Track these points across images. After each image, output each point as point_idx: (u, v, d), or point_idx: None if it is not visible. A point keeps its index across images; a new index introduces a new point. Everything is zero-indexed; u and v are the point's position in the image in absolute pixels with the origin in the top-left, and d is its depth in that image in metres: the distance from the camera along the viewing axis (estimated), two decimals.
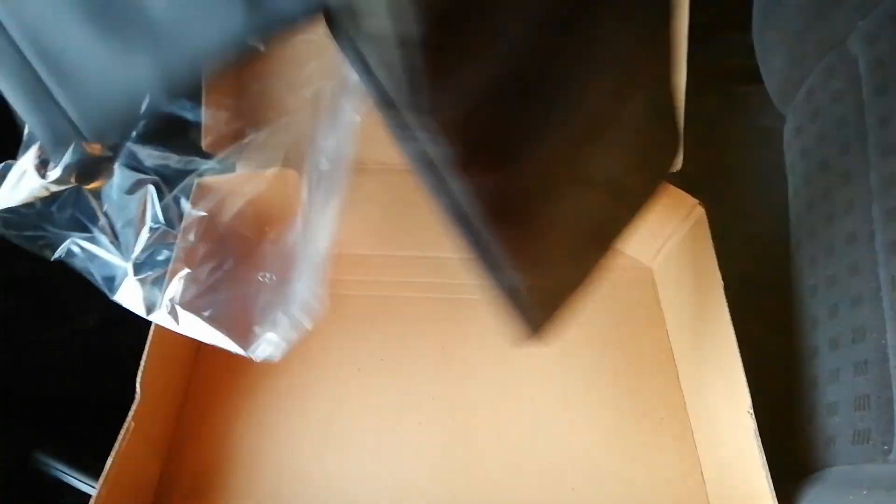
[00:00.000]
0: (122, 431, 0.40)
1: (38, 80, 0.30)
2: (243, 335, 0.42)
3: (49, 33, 0.30)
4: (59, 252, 0.40)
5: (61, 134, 0.31)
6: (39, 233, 0.39)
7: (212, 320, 0.42)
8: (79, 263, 0.41)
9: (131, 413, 0.41)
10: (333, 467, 0.47)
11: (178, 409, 0.49)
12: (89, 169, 0.38)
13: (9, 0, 0.30)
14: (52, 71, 0.30)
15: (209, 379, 0.50)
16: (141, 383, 0.41)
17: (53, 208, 0.39)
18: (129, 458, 0.40)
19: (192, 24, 0.29)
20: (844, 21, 0.44)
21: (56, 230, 0.39)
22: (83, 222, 0.40)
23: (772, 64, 0.52)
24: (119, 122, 0.31)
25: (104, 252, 0.41)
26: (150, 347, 0.42)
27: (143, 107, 0.31)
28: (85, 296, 0.58)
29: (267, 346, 0.41)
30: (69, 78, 0.30)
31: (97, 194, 0.40)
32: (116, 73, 0.30)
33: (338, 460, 0.47)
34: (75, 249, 0.40)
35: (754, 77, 0.56)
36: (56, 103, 0.30)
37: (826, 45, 0.45)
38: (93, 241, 0.40)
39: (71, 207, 0.40)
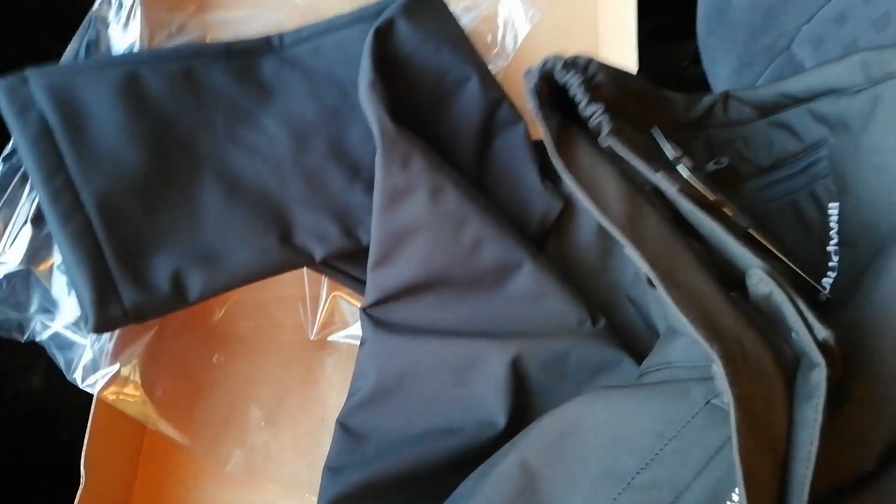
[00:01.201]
0: None
1: (102, 257, 0.35)
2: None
3: (122, 220, 0.36)
4: (29, 332, 0.39)
5: (108, 306, 0.34)
6: (2, 316, 0.38)
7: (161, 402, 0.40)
8: (45, 342, 0.39)
9: (77, 498, 0.38)
10: None
11: (130, 483, 0.46)
12: (40, 246, 0.38)
13: (94, 183, 0.36)
14: (116, 253, 0.35)
15: (161, 447, 0.47)
16: (85, 464, 0.38)
17: (6, 291, 0.38)
18: None
19: (233, 246, 0.37)
20: (788, 26, 0.43)
21: (17, 312, 0.38)
22: (40, 302, 0.38)
23: (719, 71, 0.52)
24: (158, 310, 0.36)
25: (64, 330, 0.39)
26: (92, 424, 0.40)
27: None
28: (27, 355, 0.54)
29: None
30: (129, 265, 0.35)
31: (48, 273, 0.38)
32: (167, 271, 0.36)
33: None
34: (39, 328, 0.39)
35: (701, 84, 0.56)
36: (113, 281, 0.35)
37: (773, 50, 0.45)
38: (52, 319, 0.39)
39: (24, 288, 0.38)
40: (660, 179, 0.30)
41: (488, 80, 0.45)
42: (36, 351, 0.56)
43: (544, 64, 0.33)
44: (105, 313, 0.34)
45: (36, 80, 0.37)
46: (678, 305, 0.25)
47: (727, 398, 0.23)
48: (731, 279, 0.28)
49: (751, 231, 0.30)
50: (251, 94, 0.42)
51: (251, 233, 0.38)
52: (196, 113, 0.40)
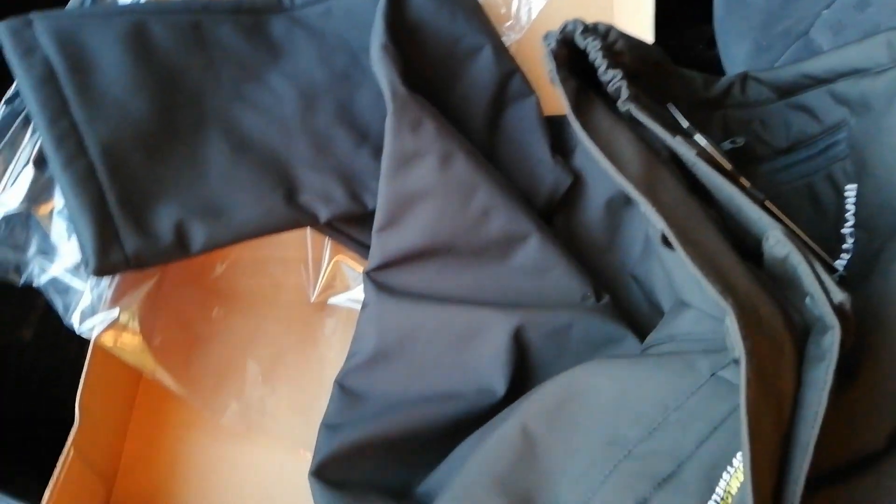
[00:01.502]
0: (62, 458, 0.37)
1: (105, 202, 0.34)
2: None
3: (126, 168, 0.35)
4: (26, 275, 0.38)
5: (109, 251, 0.34)
6: (0, 257, 0.37)
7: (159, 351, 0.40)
8: (43, 286, 0.38)
9: (70, 438, 0.37)
10: (293, 484, 0.44)
11: (123, 430, 0.46)
12: (41, 189, 0.37)
13: (98, 129, 0.35)
14: (119, 199, 0.34)
15: (156, 397, 0.47)
16: (80, 406, 0.38)
17: (5, 232, 0.37)
18: (69, 485, 0.37)
19: (237, 202, 0.37)
20: (808, 10, 0.43)
21: (16, 254, 0.37)
22: (40, 244, 0.38)
23: (734, 55, 0.51)
24: (160, 259, 0.35)
25: (63, 274, 0.38)
26: (88, 368, 0.39)
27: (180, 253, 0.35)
28: (20, 307, 0.54)
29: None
30: (132, 211, 0.35)
31: (49, 216, 0.38)
32: (170, 221, 0.35)
33: (298, 476, 0.44)
34: (37, 271, 0.38)
35: (715, 68, 0.55)
36: (115, 227, 0.34)
37: (791, 34, 0.45)
38: (51, 262, 0.38)
39: (24, 230, 0.38)
40: (678, 143, 0.30)
41: (502, 51, 0.45)
42: (28, 304, 0.56)
43: (564, 27, 0.33)
44: (106, 258, 0.33)
45: (41, 24, 0.36)
46: (693, 260, 0.25)
47: (738, 351, 0.23)
48: (744, 250, 0.28)
49: (767, 203, 0.30)
50: (260, 53, 0.42)
51: (257, 189, 0.38)
52: (204, 67, 0.40)
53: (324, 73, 0.42)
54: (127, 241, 0.34)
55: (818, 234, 0.33)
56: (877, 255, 0.28)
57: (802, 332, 0.26)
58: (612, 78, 0.31)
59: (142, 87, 0.37)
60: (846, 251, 0.31)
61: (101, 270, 0.33)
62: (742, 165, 0.35)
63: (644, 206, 0.28)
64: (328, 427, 0.37)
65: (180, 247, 0.35)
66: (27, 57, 0.35)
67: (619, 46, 0.33)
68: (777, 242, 0.26)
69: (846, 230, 0.32)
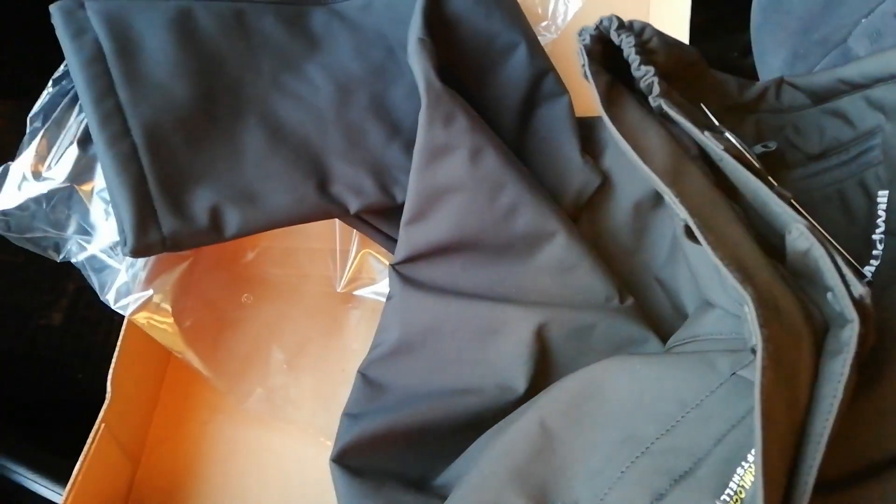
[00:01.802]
0: (92, 433, 0.38)
1: (145, 182, 0.35)
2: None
3: (166, 150, 0.36)
4: (65, 253, 0.39)
5: (147, 231, 0.34)
6: (40, 234, 0.39)
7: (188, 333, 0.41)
8: (80, 263, 0.40)
9: (102, 413, 0.39)
10: (313, 471, 0.44)
11: (150, 410, 0.47)
12: (83, 169, 0.38)
13: (142, 110, 0.36)
14: (159, 181, 0.35)
15: (183, 380, 0.48)
16: (112, 381, 0.39)
17: (48, 209, 0.38)
18: (98, 461, 0.38)
19: (271, 189, 0.37)
20: (847, 18, 0.43)
21: (56, 231, 0.39)
22: (79, 222, 0.39)
23: (770, 62, 0.51)
24: (194, 241, 0.36)
25: (100, 252, 0.40)
26: (122, 345, 0.40)
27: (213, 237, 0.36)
28: (51, 293, 0.55)
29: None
30: (170, 193, 0.35)
31: (90, 194, 0.39)
32: (206, 205, 0.36)
33: (318, 463, 0.45)
34: (75, 249, 0.39)
35: (751, 76, 0.55)
36: (153, 207, 0.35)
37: (828, 43, 0.44)
38: (89, 241, 0.39)
39: (65, 207, 0.39)
40: (706, 138, 0.30)
41: (536, 49, 0.45)
42: (59, 287, 0.57)
43: (599, 23, 0.33)
44: (144, 238, 0.34)
45: (92, 6, 0.38)
46: (713, 249, 0.25)
47: (755, 339, 0.23)
48: (769, 248, 0.28)
49: (793, 202, 0.30)
50: (299, 43, 0.42)
51: (290, 178, 0.38)
52: (244, 55, 0.41)
53: (360, 65, 0.43)
54: (164, 222, 0.35)
55: (848, 239, 0.32)
56: None
57: (822, 329, 0.25)
58: (645, 74, 0.32)
59: (185, 72, 0.38)
60: (875, 257, 0.31)
61: (137, 250, 0.34)
62: (774, 171, 0.35)
63: (668, 196, 0.28)
64: (349, 416, 0.37)
65: (215, 230, 0.36)
66: (78, 37, 0.37)
67: (653, 44, 0.33)
68: (800, 235, 0.26)
69: (877, 236, 0.31)
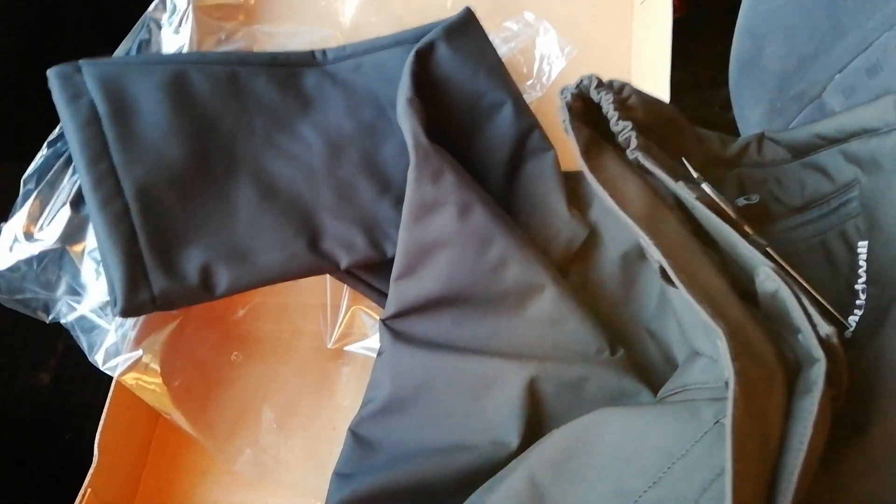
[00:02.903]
0: (78, 498, 0.37)
1: (136, 242, 0.36)
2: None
3: (158, 210, 0.37)
4: (54, 313, 0.39)
5: (138, 291, 0.35)
6: (30, 295, 0.39)
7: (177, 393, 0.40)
8: (69, 323, 0.40)
9: (88, 477, 0.38)
10: None
11: (138, 473, 0.46)
12: (75, 229, 0.39)
13: (135, 171, 0.37)
14: (150, 240, 0.36)
15: (172, 441, 0.47)
16: (99, 445, 0.38)
17: (38, 269, 0.39)
18: None
19: (262, 247, 0.38)
20: (821, 75, 0.44)
21: (46, 292, 0.39)
22: (69, 283, 0.39)
23: (749, 117, 0.52)
24: (185, 300, 0.37)
25: (90, 313, 0.40)
26: (109, 407, 0.40)
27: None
28: (40, 352, 0.55)
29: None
30: (161, 252, 0.36)
31: (81, 255, 0.39)
32: (197, 263, 0.36)
33: None
34: (65, 310, 0.39)
35: (731, 130, 0.56)
36: (144, 267, 0.36)
37: (804, 98, 0.46)
38: (79, 301, 0.39)
39: (56, 268, 0.39)
40: (680, 187, 0.30)
41: (522, 107, 0.46)
42: (48, 347, 0.57)
43: (580, 81, 0.34)
44: (134, 297, 0.34)
45: (89, 70, 0.39)
46: (687, 288, 0.26)
47: (728, 372, 0.23)
48: (745, 294, 0.28)
49: (769, 250, 0.30)
50: (292, 104, 0.43)
51: (281, 235, 0.39)
52: (238, 116, 0.41)
53: (351, 124, 0.44)
54: (155, 282, 0.35)
55: (833, 290, 0.33)
56: (887, 309, 0.28)
57: (795, 370, 0.26)
58: (623, 129, 0.33)
59: (179, 133, 0.39)
60: (859, 307, 0.31)
61: (127, 310, 0.34)
62: (759, 223, 0.36)
63: (643, 240, 0.28)
64: (340, 476, 0.36)
65: (205, 289, 0.36)
66: (74, 101, 0.38)
67: (631, 101, 0.34)
68: (767, 277, 0.26)
69: (859, 286, 0.32)
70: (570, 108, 0.34)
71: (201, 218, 0.38)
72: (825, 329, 0.24)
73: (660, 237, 0.29)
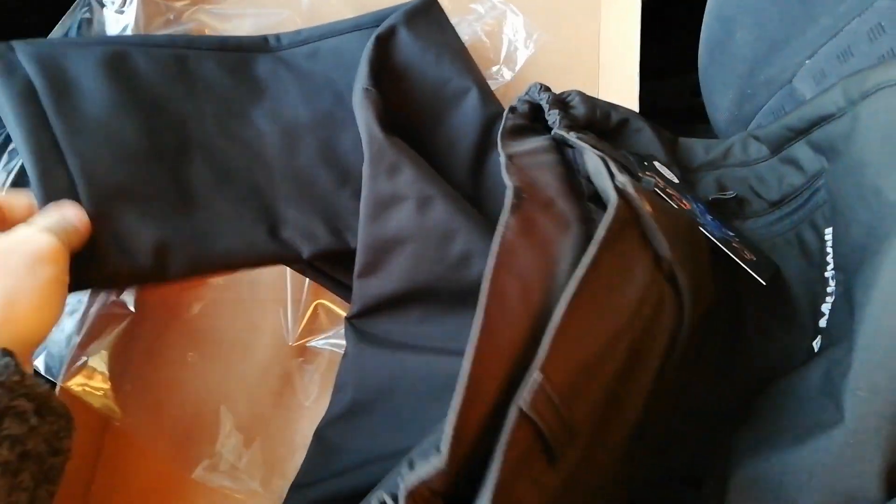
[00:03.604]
0: None
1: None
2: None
3: (105, 184, 0.35)
4: None
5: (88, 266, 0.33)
6: None
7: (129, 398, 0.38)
8: None
9: None
10: None
11: (86, 484, 0.43)
12: None
13: (78, 143, 0.35)
14: (98, 216, 0.34)
15: (122, 450, 0.45)
16: None
17: None
18: None
19: (220, 231, 0.37)
20: (791, 60, 0.43)
21: None
22: None
23: (719, 103, 0.52)
24: (136, 278, 0.35)
25: None
26: None
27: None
28: None
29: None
30: (111, 228, 0.34)
31: None
32: (150, 242, 0.35)
33: None
34: None
35: (700, 115, 0.56)
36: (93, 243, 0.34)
37: (774, 83, 0.45)
38: None
39: None
40: (569, 136, 0.34)
41: (487, 94, 0.45)
42: None
43: (528, 89, 0.38)
44: (84, 273, 0.32)
45: (22, 48, 0.36)
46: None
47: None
48: None
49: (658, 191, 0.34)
50: (243, 90, 0.42)
51: (239, 221, 0.38)
52: (186, 99, 0.40)
53: (307, 112, 0.42)
54: (105, 259, 0.33)
55: (808, 280, 0.33)
56: (850, 293, 0.28)
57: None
58: (554, 119, 0.35)
59: (124, 110, 0.37)
60: (830, 294, 0.31)
61: (72, 285, 0.32)
62: (741, 220, 0.37)
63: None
64: (297, 488, 0.35)
65: (158, 268, 0.35)
66: (7, 76, 0.35)
67: (573, 101, 0.37)
68: (588, 160, 0.32)
69: (828, 273, 0.32)
70: (512, 109, 0.38)
71: (153, 195, 0.36)
72: (621, 179, 0.29)
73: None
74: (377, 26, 0.42)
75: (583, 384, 0.26)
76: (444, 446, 0.23)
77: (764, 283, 0.32)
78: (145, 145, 0.37)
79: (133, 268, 0.34)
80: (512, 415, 0.24)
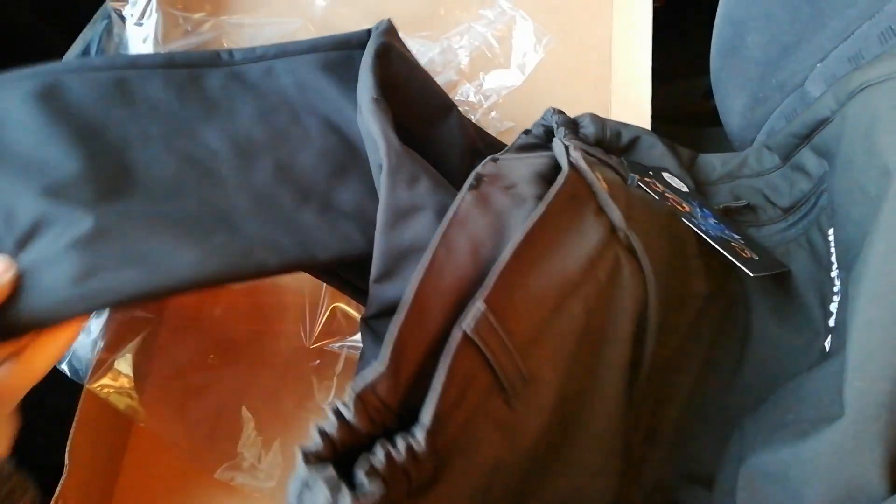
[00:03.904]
0: None
1: None
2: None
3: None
4: None
5: None
6: None
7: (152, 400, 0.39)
8: None
9: (59, 488, 0.37)
10: None
11: (112, 483, 0.44)
12: None
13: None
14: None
15: (147, 449, 0.46)
16: (69, 453, 0.37)
17: None
18: None
19: (172, 255, 0.34)
20: (803, 63, 0.44)
21: None
22: None
23: (731, 106, 0.52)
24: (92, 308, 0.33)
25: None
26: (79, 415, 0.39)
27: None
28: None
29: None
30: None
31: None
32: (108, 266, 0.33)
33: None
34: None
35: (713, 119, 0.56)
36: None
37: (786, 87, 0.45)
38: None
39: None
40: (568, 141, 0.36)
41: (462, 118, 0.46)
42: None
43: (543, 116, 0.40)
44: None
45: None
46: None
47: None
48: None
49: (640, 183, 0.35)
50: (193, 108, 0.41)
51: (188, 239, 0.35)
52: (128, 123, 0.39)
53: (263, 130, 0.41)
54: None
55: (818, 281, 0.34)
56: (845, 289, 0.29)
57: None
58: (563, 133, 0.37)
59: (57, 141, 0.36)
60: (837, 293, 0.32)
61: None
62: (757, 227, 0.39)
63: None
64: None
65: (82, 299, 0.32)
66: None
67: (583, 121, 0.39)
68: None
69: (834, 273, 0.32)
70: (528, 132, 0.40)
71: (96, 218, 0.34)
72: (574, 154, 0.33)
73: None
74: (335, 49, 0.43)
75: (537, 333, 0.28)
76: (385, 349, 0.25)
77: (751, 275, 0.33)
78: (82, 174, 0.36)
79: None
80: (455, 335, 0.25)
